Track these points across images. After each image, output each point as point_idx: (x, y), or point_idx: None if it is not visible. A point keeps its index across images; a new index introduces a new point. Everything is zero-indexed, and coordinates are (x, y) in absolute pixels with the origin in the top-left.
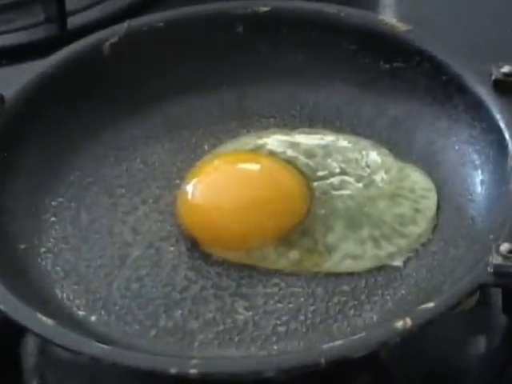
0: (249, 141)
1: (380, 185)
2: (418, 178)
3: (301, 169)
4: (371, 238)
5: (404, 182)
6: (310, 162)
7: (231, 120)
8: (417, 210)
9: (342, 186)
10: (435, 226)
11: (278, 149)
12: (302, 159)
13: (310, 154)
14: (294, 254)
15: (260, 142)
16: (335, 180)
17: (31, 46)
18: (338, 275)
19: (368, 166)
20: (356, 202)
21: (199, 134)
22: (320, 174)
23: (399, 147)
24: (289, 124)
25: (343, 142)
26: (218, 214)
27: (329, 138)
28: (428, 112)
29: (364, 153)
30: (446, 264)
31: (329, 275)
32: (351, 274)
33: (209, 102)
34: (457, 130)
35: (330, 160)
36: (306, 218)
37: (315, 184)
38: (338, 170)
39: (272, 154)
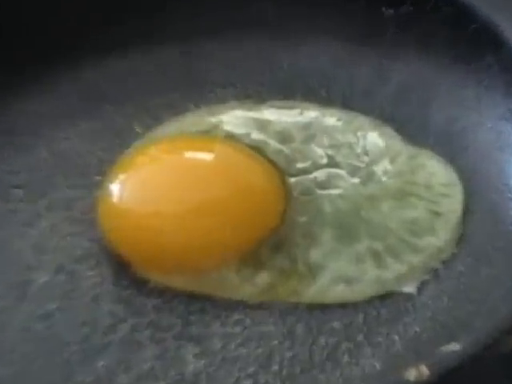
0: (198, 119)
1: (383, 179)
2: (435, 169)
3: (272, 158)
4: (371, 253)
5: (417, 175)
6: (285, 149)
7: (173, 90)
8: (435, 214)
9: (330, 181)
10: (461, 237)
11: (240, 130)
12: (274, 145)
13: (284, 137)
14: (263, 278)
15: (214, 120)
16: (320, 174)
17: None
18: (325, 307)
19: (366, 154)
20: (350, 203)
21: (128, 110)
22: (299, 165)
23: (409, 126)
24: (254, 95)
25: (331, 119)
26: (155, 224)
27: (311, 115)
28: (448, 77)
29: (360, 134)
30: (476, 288)
31: (313, 307)
32: (344, 305)
33: (143, 64)
34: (489, 102)
35: (312, 145)
36: (279, 228)
37: (293, 180)
38: (324, 160)
39: (231, 137)
